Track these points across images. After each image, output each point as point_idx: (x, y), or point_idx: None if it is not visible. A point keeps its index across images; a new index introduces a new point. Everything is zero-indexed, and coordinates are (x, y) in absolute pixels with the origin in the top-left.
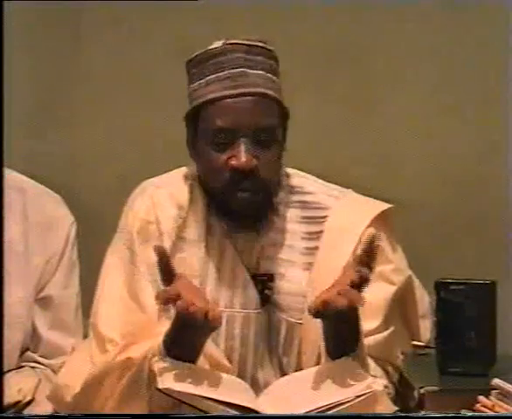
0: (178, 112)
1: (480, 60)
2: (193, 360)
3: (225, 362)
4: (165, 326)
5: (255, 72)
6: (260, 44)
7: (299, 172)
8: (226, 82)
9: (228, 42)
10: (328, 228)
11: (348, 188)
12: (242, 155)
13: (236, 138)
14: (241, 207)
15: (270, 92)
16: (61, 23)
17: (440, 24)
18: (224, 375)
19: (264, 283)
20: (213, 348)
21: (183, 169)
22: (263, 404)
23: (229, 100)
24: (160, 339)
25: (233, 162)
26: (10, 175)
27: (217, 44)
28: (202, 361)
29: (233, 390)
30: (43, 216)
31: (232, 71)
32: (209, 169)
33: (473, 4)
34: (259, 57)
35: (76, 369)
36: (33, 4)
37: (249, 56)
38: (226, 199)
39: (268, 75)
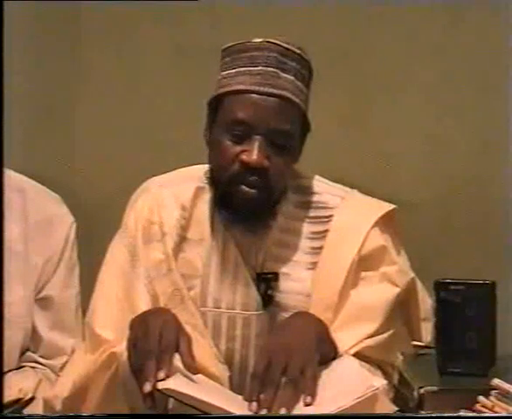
0: (179, 112)
1: (480, 60)
2: None
3: (214, 370)
4: None
5: (286, 76)
6: (298, 50)
7: (305, 172)
8: (257, 78)
9: (266, 40)
10: (333, 227)
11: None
12: (254, 153)
13: (252, 133)
14: (243, 201)
15: (296, 99)
16: (61, 23)
17: (440, 24)
18: (222, 388)
19: (268, 282)
20: (203, 354)
21: (187, 169)
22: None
23: (254, 96)
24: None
25: (244, 157)
26: (10, 176)
27: (256, 39)
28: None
29: (232, 401)
30: (43, 215)
31: (265, 68)
32: (220, 158)
33: (473, 4)
34: (293, 62)
35: (68, 379)
36: (33, 4)
37: (284, 58)
38: (230, 191)
39: (298, 83)
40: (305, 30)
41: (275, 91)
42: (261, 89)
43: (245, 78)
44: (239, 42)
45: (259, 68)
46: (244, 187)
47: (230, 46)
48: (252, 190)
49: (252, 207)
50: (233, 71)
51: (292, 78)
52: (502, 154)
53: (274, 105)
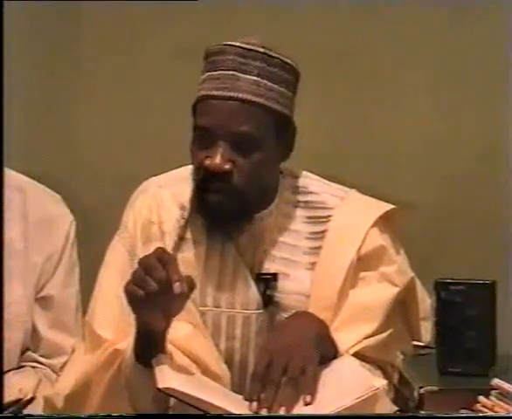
0: (178, 112)
1: (480, 60)
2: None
3: (215, 369)
4: None
5: (247, 76)
6: (261, 49)
7: (303, 172)
8: (216, 82)
9: (224, 43)
10: (332, 227)
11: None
12: (216, 158)
13: (215, 139)
14: (209, 208)
15: (259, 99)
16: (61, 23)
17: (440, 24)
18: (222, 388)
19: (267, 282)
20: (205, 353)
21: (186, 169)
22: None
23: (213, 101)
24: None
25: (207, 162)
26: (10, 175)
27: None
28: (192, 365)
29: (232, 400)
30: (42, 215)
31: (223, 72)
32: (193, 165)
33: (474, 4)
34: (256, 62)
35: (69, 378)
36: (33, 4)
37: (244, 60)
38: (200, 197)
39: (264, 81)
40: (306, 30)
41: (233, 93)
42: (219, 93)
43: (207, 83)
44: (209, 47)
45: (218, 72)
46: (210, 193)
47: (206, 51)
48: (218, 196)
49: (219, 212)
50: (202, 77)
51: (254, 78)
52: (502, 154)
53: (233, 108)
